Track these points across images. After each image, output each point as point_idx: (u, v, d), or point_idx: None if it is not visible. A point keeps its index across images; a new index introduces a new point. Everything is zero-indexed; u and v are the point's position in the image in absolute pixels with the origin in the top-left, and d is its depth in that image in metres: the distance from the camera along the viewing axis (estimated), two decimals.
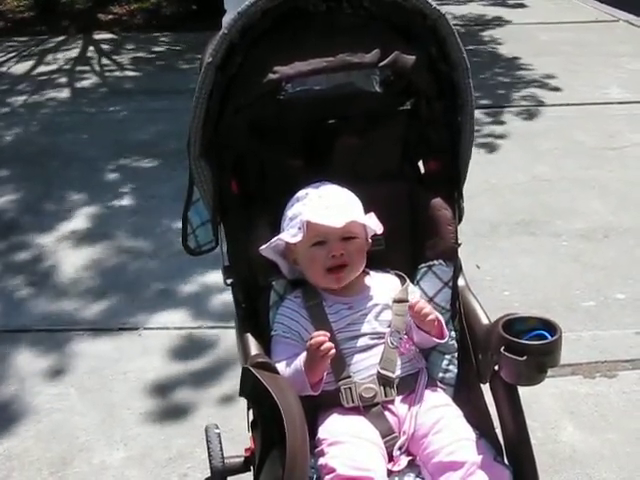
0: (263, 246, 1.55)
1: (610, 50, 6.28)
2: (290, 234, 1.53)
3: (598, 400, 2.41)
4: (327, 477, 1.34)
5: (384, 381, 1.47)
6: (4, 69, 6.48)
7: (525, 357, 1.32)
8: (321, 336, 1.40)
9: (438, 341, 1.55)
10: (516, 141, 4.52)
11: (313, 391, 1.44)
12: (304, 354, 1.44)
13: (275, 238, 1.55)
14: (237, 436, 2.06)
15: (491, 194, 3.81)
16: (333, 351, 1.40)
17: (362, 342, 1.50)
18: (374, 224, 1.56)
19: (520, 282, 3.06)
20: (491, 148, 4.39)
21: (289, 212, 1.57)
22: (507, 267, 3.17)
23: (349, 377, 1.48)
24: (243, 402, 1.44)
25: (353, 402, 1.46)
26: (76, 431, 2.34)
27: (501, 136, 4.58)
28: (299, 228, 1.51)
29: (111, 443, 2.29)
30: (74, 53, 6.88)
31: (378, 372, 1.48)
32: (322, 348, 1.39)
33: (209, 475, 1.81)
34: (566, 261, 3.22)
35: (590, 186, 3.91)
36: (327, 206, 1.52)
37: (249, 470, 1.72)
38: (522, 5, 8.30)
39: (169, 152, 4.31)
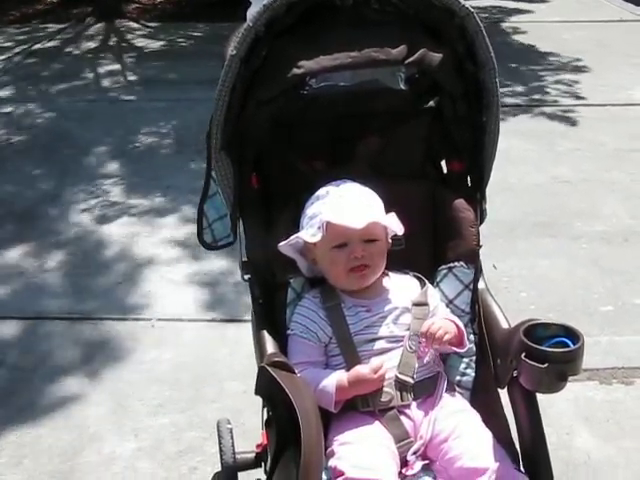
0: (281, 243, 1.53)
1: (634, 50, 6.19)
2: (309, 233, 1.51)
3: (614, 407, 2.38)
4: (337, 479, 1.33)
5: (401, 385, 1.45)
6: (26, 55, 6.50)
7: (546, 364, 1.30)
8: (382, 368, 1.43)
9: (458, 350, 1.53)
10: (536, 141, 4.47)
11: (334, 409, 1.43)
12: (336, 374, 1.44)
13: (294, 236, 1.53)
14: (248, 431, 2.05)
15: (509, 194, 3.76)
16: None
17: (379, 345, 1.48)
18: (395, 225, 1.53)
19: (537, 284, 3.02)
20: (510, 147, 4.33)
21: (309, 210, 1.54)
22: (524, 268, 3.13)
23: None
24: (255, 396, 1.42)
25: (368, 406, 1.44)
26: (87, 420, 2.35)
27: (521, 135, 4.53)
28: (318, 228, 1.49)
29: (122, 434, 2.29)
30: (95, 42, 6.89)
31: (396, 376, 1.46)
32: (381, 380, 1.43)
33: (219, 469, 1.81)
34: (585, 264, 3.18)
35: (611, 189, 3.86)
36: (347, 206, 1.50)
37: (260, 466, 1.71)
38: (544, 1, 8.21)
39: (187, 142, 4.30)
